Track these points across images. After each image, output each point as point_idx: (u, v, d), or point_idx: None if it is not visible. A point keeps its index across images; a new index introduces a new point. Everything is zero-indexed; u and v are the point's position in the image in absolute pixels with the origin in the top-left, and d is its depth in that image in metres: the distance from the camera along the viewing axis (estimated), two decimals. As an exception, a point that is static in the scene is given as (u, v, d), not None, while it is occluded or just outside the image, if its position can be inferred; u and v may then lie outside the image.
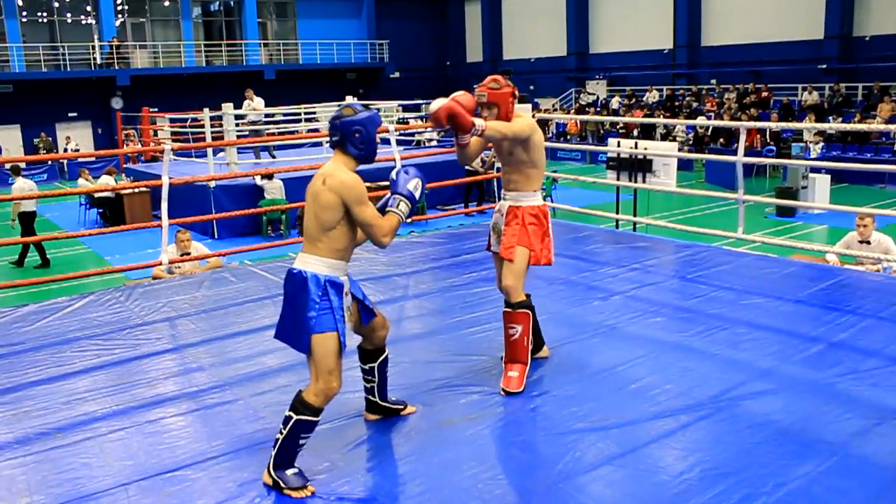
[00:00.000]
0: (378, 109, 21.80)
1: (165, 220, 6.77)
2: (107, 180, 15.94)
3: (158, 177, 7.17)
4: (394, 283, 6.24)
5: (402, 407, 3.79)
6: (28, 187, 12.39)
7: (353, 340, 3.47)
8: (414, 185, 3.29)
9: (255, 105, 16.08)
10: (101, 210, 16.19)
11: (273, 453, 3.14)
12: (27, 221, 12.37)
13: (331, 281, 3.17)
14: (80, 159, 23.25)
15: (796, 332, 4.69)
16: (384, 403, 3.72)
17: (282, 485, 3.11)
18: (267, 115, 17.54)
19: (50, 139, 27.11)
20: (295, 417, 3.10)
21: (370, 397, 3.70)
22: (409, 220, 3.13)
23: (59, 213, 17.99)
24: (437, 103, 3.66)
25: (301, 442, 3.13)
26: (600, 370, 4.22)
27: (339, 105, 20.63)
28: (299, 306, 3.16)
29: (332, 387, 3.14)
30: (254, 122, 16.34)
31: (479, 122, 3.76)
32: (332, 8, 33.59)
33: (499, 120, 3.95)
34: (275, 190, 14.03)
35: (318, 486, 3.14)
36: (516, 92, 4.08)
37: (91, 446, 3.55)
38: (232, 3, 32.07)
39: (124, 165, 19.32)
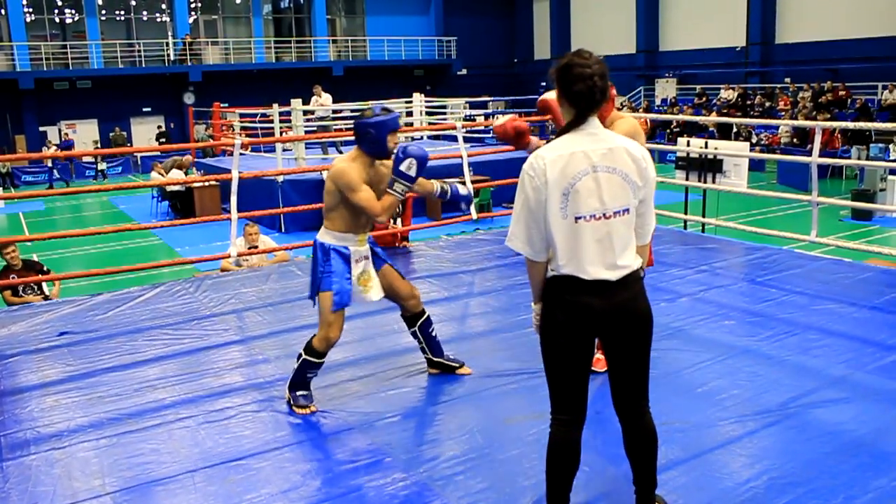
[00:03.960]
0: (444, 106, 21.92)
1: (234, 214, 6.90)
2: (177, 174, 16.28)
3: (228, 171, 7.31)
4: (459, 280, 6.24)
5: (457, 365, 4.21)
6: None
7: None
8: (406, 165, 3.63)
9: (322, 101, 16.24)
10: (172, 202, 16.57)
11: (289, 378, 3.84)
12: None
13: (335, 249, 3.73)
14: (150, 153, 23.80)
15: (871, 340, 4.54)
16: (437, 359, 4.19)
17: (291, 402, 3.81)
18: (334, 111, 17.72)
19: (124, 133, 27.89)
20: (303, 356, 3.75)
21: (424, 355, 4.20)
22: (403, 194, 3.70)
23: (132, 206, 18.52)
24: (504, 119, 3.95)
25: (308, 375, 3.79)
26: (666, 373, 4.15)
27: (406, 102, 20.67)
28: (313, 267, 3.80)
29: (330, 336, 3.72)
30: (321, 118, 16.50)
31: (533, 141, 3.90)
32: (400, 5, 33.76)
33: None
34: (341, 185, 14.13)
35: (379, 479, 3.17)
36: (612, 93, 3.96)
37: (160, 433, 3.65)
38: (301, 0, 32.51)
39: (198, 159, 19.72)
